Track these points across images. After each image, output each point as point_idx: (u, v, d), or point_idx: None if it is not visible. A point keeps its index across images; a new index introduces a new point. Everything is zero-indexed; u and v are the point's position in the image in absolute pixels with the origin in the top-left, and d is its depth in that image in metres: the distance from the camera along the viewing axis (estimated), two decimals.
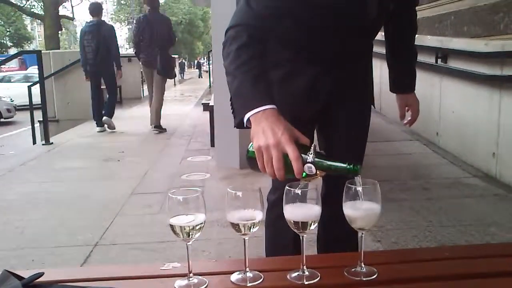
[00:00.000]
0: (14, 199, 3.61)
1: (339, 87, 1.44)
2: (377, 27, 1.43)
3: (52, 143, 5.88)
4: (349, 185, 1.04)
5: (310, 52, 1.40)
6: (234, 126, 1.16)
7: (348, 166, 0.99)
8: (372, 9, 1.29)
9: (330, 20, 1.30)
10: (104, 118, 6.60)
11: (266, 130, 1.03)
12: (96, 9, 6.48)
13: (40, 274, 0.93)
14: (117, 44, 6.57)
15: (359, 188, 1.03)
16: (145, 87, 8.92)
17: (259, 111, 1.07)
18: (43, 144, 5.92)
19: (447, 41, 4.56)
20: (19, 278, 0.92)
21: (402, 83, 1.67)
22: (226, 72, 1.18)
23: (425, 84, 4.85)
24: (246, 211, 1.00)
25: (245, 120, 1.09)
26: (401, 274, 1.00)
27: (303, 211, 0.99)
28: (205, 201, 1.00)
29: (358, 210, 1.01)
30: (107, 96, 6.79)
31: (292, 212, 0.99)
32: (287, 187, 1.02)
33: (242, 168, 4.08)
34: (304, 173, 1.00)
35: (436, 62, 4.51)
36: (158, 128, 6.51)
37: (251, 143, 1.07)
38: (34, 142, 6.56)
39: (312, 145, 1.04)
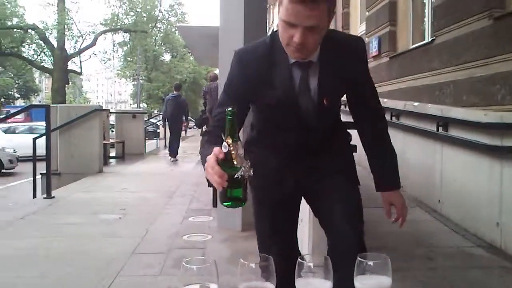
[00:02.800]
0: (11, 254, 3.54)
1: (314, 173, 1.62)
2: (325, 125, 1.61)
3: (53, 196, 5.86)
4: (361, 259, 1.05)
5: (272, 144, 1.65)
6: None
7: (228, 111, 1.20)
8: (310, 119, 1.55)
9: (279, 119, 1.57)
10: (170, 158, 10.26)
11: None
12: (178, 87, 10.82)
13: None
14: (188, 108, 10.82)
15: (370, 263, 1.05)
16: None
17: None
18: (44, 198, 5.89)
19: (447, 110, 4.67)
20: None
21: (385, 183, 1.73)
22: None
23: (427, 151, 4.91)
24: (259, 283, 1.01)
25: None
26: None
27: (315, 286, 1.00)
28: (218, 271, 1.01)
29: (370, 286, 1.02)
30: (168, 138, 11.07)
31: (304, 286, 1.00)
32: (300, 260, 1.04)
33: (243, 231, 4.06)
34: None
35: (437, 130, 4.60)
36: None
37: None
38: (35, 196, 6.54)
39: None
